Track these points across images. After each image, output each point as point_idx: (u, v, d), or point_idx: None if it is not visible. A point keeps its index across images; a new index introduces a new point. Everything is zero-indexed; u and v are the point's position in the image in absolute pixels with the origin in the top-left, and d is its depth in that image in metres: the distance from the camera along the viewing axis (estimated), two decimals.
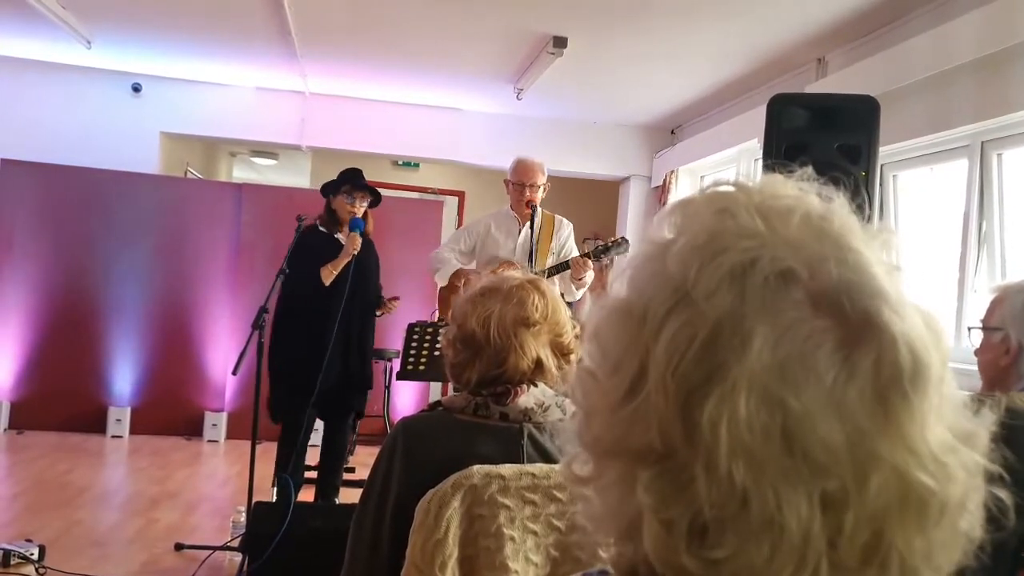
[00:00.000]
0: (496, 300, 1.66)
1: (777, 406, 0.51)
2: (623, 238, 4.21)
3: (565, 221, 4.36)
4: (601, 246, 4.16)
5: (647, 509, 0.54)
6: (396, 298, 4.49)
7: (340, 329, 4.13)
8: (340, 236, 4.22)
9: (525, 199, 4.17)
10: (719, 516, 0.52)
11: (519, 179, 4.21)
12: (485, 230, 4.34)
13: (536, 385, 1.66)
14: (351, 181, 4.24)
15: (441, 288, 4.37)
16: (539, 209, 4.17)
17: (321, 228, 4.23)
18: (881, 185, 4.25)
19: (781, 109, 3.41)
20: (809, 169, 0.62)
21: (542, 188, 4.21)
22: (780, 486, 0.51)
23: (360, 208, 4.23)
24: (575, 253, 4.25)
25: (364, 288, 4.27)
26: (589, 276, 4.12)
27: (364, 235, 4.27)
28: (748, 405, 0.51)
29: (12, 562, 3.58)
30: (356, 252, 4.14)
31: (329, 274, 4.13)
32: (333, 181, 4.30)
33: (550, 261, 4.21)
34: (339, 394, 4.27)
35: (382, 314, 4.50)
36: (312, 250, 4.13)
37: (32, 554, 3.61)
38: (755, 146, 5.26)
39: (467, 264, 4.31)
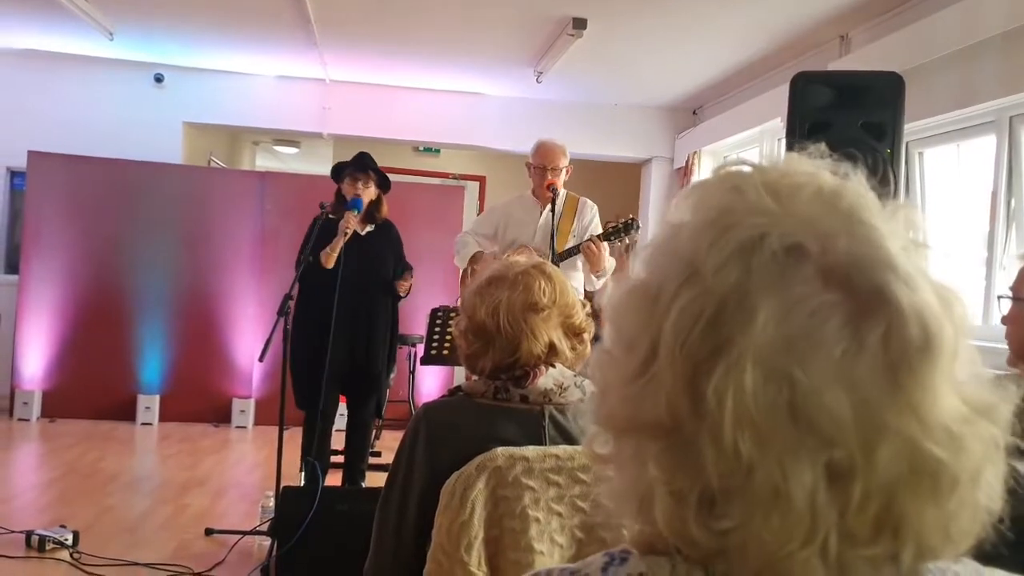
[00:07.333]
0: (503, 288, 1.65)
1: (783, 379, 0.52)
2: (631, 218, 4.13)
3: (589, 203, 4.27)
4: (611, 228, 4.10)
5: (657, 482, 0.56)
6: (404, 281, 4.35)
7: (345, 314, 4.13)
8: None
9: (547, 182, 4.10)
10: (726, 487, 0.53)
11: (540, 162, 4.14)
12: (506, 214, 4.29)
13: (554, 366, 1.66)
14: (352, 164, 4.27)
15: (463, 272, 4.35)
16: (561, 191, 4.12)
17: (331, 216, 4.22)
18: (907, 163, 4.20)
19: (804, 87, 3.37)
20: (823, 146, 0.62)
21: (564, 171, 4.15)
22: (785, 457, 0.52)
23: (364, 190, 4.23)
24: None
25: (373, 272, 4.27)
26: (610, 264, 4.03)
27: (377, 218, 4.28)
28: (753, 378, 0.52)
29: (47, 547, 3.65)
30: (349, 230, 4.13)
31: (328, 257, 4.14)
32: (338, 166, 4.32)
33: (571, 243, 4.11)
34: (351, 380, 4.33)
35: (404, 296, 4.45)
36: (319, 239, 4.15)
37: (66, 540, 3.68)
38: (778, 125, 5.20)
39: (489, 249, 4.28)
